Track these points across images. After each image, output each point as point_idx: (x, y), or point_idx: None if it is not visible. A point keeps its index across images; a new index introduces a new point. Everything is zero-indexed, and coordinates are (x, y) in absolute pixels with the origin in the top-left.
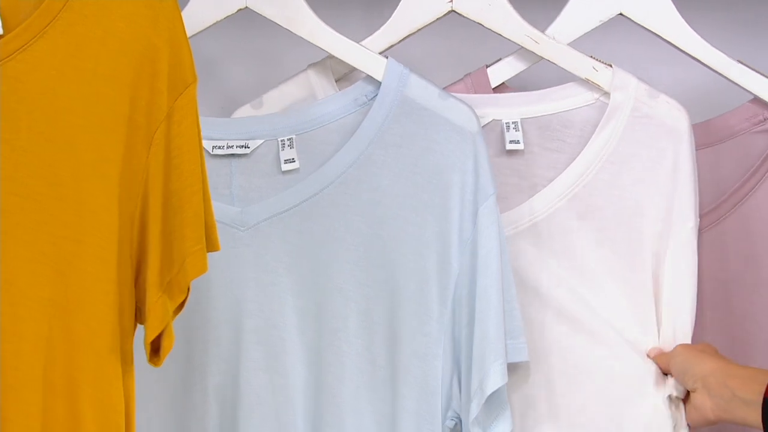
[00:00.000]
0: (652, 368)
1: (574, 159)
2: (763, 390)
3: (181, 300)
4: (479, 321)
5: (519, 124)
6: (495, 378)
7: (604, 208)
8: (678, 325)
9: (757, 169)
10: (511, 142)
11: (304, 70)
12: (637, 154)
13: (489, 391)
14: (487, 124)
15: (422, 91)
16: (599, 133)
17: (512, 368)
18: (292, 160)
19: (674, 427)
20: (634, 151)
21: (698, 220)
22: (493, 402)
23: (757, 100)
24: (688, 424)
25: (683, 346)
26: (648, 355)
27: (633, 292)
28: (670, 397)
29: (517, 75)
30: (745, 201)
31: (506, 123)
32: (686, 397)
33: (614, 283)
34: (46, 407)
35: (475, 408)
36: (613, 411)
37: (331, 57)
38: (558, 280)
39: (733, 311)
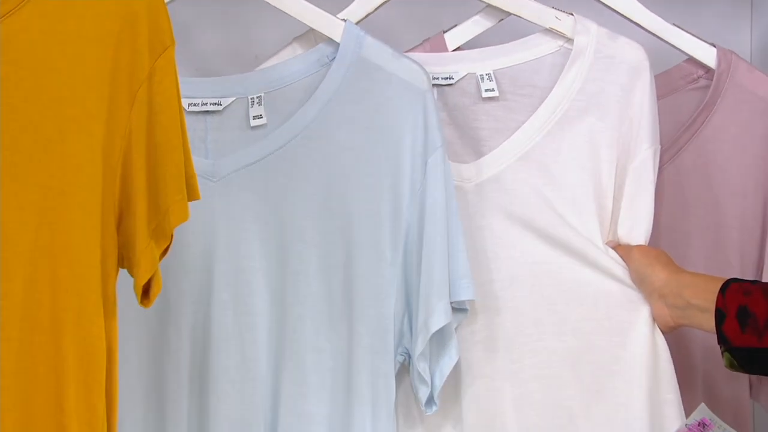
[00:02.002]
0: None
1: (545, 99)
2: (715, 299)
3: (165, 246)
4: (426, 264)
5: (492, 75)
6: (439, 316)
7: (575, 140)
8: (633, 232)
9: (692, 123)
10: (486, 90)
11: (290, 43)
12: (603, 89)
13: (434, 328)
14: (462, 78)
15: (377, 51)
16: (566, 74)
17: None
18: (260, 117)
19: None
20: (599, 87)
21: (659, 146)
22: (439, 338)
23: (691, 60)
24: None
25: (641, 248)
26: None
27: (607, 213)
28: None
29: (473, 39)
30: (681, 153)
31: (480, 75)
32: None
33: (592, 203)
34: (31, 345)
35: (420, 344)
36: (620, 323)
37: (312, 30)
38: (545, 206)
39: (672, 254)
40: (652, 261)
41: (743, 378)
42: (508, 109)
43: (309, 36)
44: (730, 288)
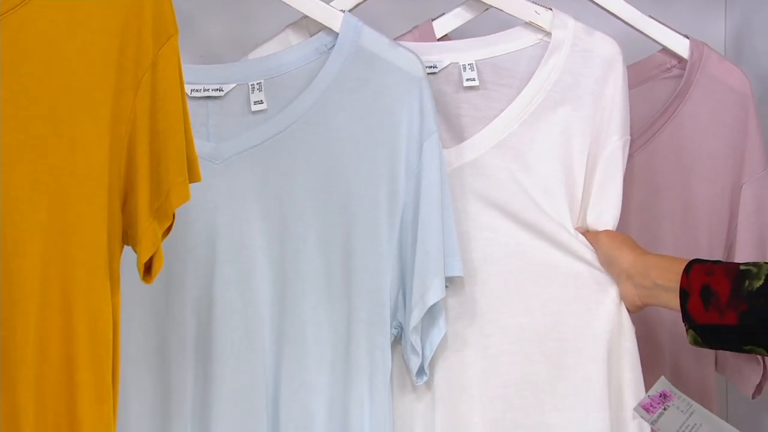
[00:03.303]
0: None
1: (523, 89)
2: (680, 279)
3: (167, 225)
4: (421, 242)
5: (474, 65)
6: (435, 292)
7: (550, 129)
8: (601, 219)
9: (665, 110)
10: (467, 80)
11: (284, 30)
12: (578, 82)
13: (430, 302)
14: (446, 66)
15: (374, 41)
16: (543, 66)
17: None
18: (261, 102)
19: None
20: (575, 80)
21: (629, 137)
22: (430, 312)
23: (665, 50)
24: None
25: (608, 233)
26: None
27: (577, 200)
28: None
29: (458, 27)
30: (654, 139)
31: (462, 64)
32: None
33: (564, 190)
34: (44, 318)
35: (416, 317)
36: (586, 303)
37: (305, 17)
38: (519, 192)
39: (644, 235)
40: (619, 244)
41: (709, 354)
42: (488, 98)
43: (301, 23)
44: (693, 268)
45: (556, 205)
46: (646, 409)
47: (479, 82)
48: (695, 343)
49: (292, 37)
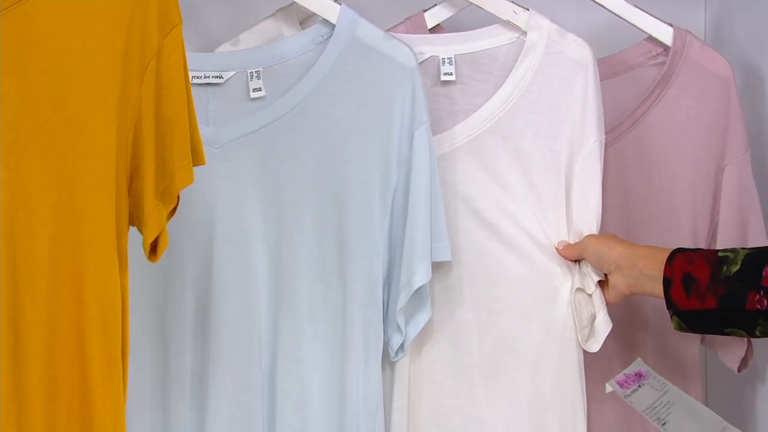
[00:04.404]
0: (557, 270)
1: (499, 88)
2: (663, 268)
3: (172, 206)
4: (410, 227)
5: (453, 59)
6: (421, 275)
7: (523, 129)
8: (585, 221)
9: (650, 95)
10: (445, 74)
11: (273, 14)
12: (550, 83)
13: (416, 285)
14: (426, 59)
15: (370, 33)
16: (518, 67)
17: (445, 265)
18: (259, 89)
19: (591, 316)
20: (548, 81)
21: (603, 136)
22: (417, 295)
23: (651, 38)
24: (607, 305)
25: (591, 236)
26: (557, 248)
27: (547, 202)
28: (579, 290)
29: (449, 18)
30: (640, 122)
31: (442, 58)
32: (602, 282)
33: (531, 193)
34: (55, 298)
35: (403, 299)
36: (527, 309)
37: (294, 3)
38: (485, 191)
39: (630, 215)
40: (606, 241)
41: (694, 336)
42: (464, 92)
43: (290, 9)
44: (676, 258)
45: (520, 206)
46: (620, 384)
47: (456, 77)
48: (679, 328)
49: (281, 21)
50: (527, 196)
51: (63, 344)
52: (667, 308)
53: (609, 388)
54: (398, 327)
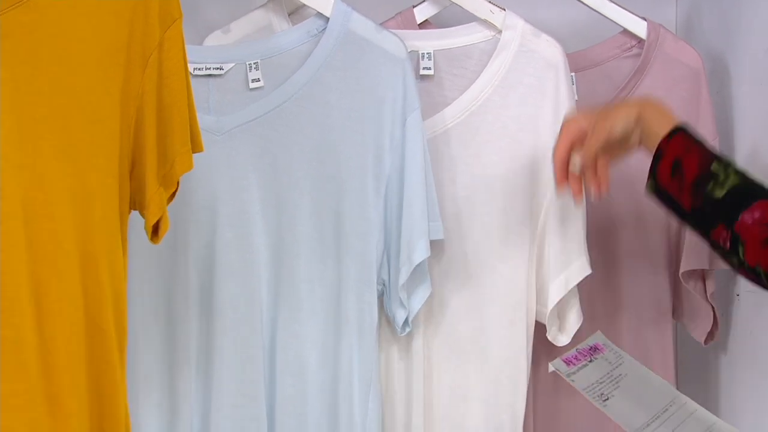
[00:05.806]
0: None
1: (473, 83)
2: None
3: (172, 191)
4: (407, 207)
5: (431, 55)
6: (420, 251)
7: (494, 122)
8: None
9: (626, 85)
10: (423, 68)
11: (264, 4)
12: (522, 80)
13: (416, 261)
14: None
15: (362, 25)
16: (492, 63)
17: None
18: (258, 80)
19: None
20: (519, 79)
21: None
22: (417, 272)
23: (626, 32)
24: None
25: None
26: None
27: (514, 188)
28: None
29: (438, 14)
30: None
31: (421, 53)
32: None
33: (498, 181)
34: (76, 274)
35: (404, 275)
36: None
37: None
38: (460, 175)
39: (599, 204)
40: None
41: (667, 307)
42: (440, 86)
43: (280, 0)
44: (675, 137)
45: (494, 197)
46: (567, 362)
47: (434, 71)
48: (650, 190)
49: (271, 11)
50: (495, 183)
51: (84, 320)
52: (649, 172)
53: (551, 368)
54: (401, 303)
